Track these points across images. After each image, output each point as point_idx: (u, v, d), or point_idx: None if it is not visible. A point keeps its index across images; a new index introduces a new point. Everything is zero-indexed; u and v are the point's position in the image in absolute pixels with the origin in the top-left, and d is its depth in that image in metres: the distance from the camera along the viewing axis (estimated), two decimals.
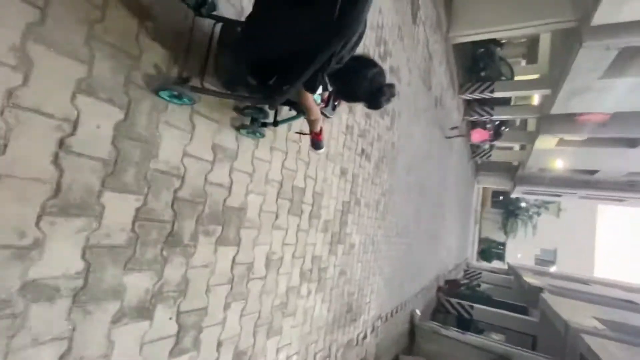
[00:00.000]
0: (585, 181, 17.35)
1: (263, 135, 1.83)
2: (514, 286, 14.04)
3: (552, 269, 11.59)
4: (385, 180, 4.07)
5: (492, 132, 11.39)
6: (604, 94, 7.31)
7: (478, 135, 10.99)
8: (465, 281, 11.60)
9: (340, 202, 2.91)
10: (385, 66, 3.89)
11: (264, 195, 1.94)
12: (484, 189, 28.97)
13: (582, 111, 8.39)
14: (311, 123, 1.66)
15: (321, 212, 2.57)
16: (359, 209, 3.30)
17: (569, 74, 6.79)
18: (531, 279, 10.67)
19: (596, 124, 9.04)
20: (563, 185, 17.99)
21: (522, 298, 11.33)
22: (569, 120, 9.67)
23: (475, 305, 8.27)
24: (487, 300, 9.34)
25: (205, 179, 1.55)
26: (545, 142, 10.77)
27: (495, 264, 24.07)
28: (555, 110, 8.51)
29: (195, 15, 1.38)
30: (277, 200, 2.06)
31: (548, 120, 9.93)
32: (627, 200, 18.14)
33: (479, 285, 10.35)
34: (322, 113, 1.62)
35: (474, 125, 11.81)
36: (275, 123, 1.75)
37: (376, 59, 2.31)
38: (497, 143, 16.47)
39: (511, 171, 19.80)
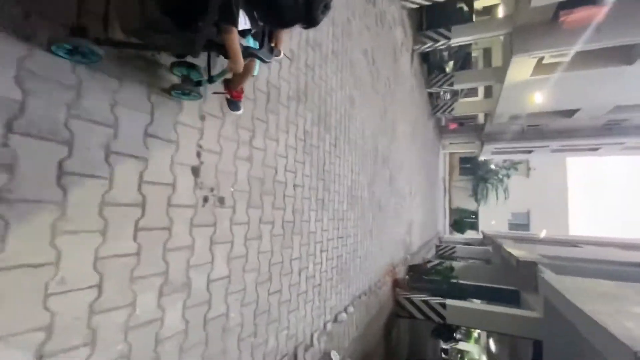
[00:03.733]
0: (558, 131, 15.36)
1: (200, 96, 1.48)
2: (495, 259, 11.71)
3: (543, 234, 9.31)
4: None
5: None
6: None
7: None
8: (435, 262, 9.02)
9: None
10: None
11: None
12: (451, 156, 27.02)
13: None
14: (234, 78, 1.58)
15: None
16: None
17: None
18: (516, 250, 8.19)
19: (590, 24, 6.44)
20: (534, 138, 15.93)
21: (509, 276, 8.88)
22: (552, 28, 7.02)
23: (449, 302, 5.53)
24: (463, 290, 6.73)
25: None
26: (520, 70, 8.15)
27: (469, 234, 22.14)
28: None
29: None
30: None
31: (523, 34, 7.25)
32: (602, 148, 16.40)
33: (452, 269, 7.72)
34: (258, 57, 1.34)
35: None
36: (210, 79, 1.42)
37: None
38: (459, 93, 14.08)
39: (477, 130, 17.59)
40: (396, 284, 6.03)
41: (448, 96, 12.79)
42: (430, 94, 12.71)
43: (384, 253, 5.55)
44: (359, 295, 4.10)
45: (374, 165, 4.96)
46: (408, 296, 5.81)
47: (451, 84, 10.74)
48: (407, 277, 6.14)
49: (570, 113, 11.77)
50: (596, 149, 16.80)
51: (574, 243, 11.56)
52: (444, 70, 11.15)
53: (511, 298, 6.74)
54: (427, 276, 7.55)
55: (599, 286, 4.46)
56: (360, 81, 4.26)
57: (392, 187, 6.26)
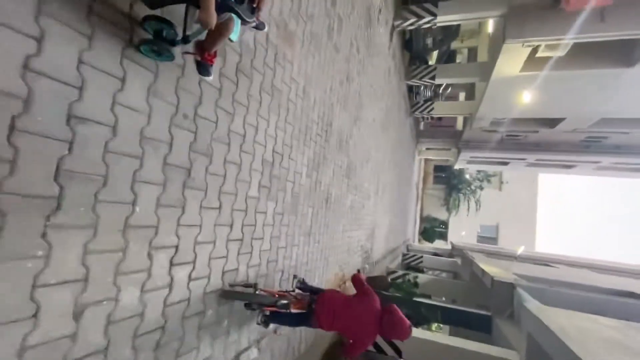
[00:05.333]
0: (536, 143, 14.81)
1: (171, 57, 1.37)
2: (463, 273, 10.77)
3: (520, 250, 8.27)
4: None
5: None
6: None
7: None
8: (399, 274, 7.84)
9: None
10: None
11: None
12: (426, 163, 26.46)
13: None
14: (208, 38, 1.41)
15: None
16: None
17: None
18: (489, 267, 7.18)
19: (594, 9, 5.48)
20: (512, 149, 15.31)
21: (479, 294, 7.86)
22: (552, 14, 6.03)
23: None
24: (427, 311, 5.57)
25: None
26: (510, 62, 7.14)
27: (438, 244, 21.49)
28: None
29: None
30: None
31: (519, 17, 6.20)
32: (577, 166, 16.07)
33: (415, 285, 6.56)
34: (236, 12, 1.25)
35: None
36: (185, 38, 1.31)
37: None
38: (439, 95, 13.15)
39: (456, 137, 16.86)
40: None
41: (428, 93, 11.77)
42: (410, 90, 11.67)
43: (330, 262, 4.22)
44: (275, 329, 2.74)
45: (324, 144, 3.63)
46: None
47: (433, 77, 9.68)
48: None
49: (553, 123, 11.05)
50: (571, 167, 16.46)
51: (546, 261, 10.85)
52: (426, 61, 10.08)
53: (482, 325, 5.65)
54: (386, 291, 6.33)
55: (600, 327, 3.35)
56: (306, 15, 2.91)
57: (352, 180, 4.96)
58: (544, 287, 5.60)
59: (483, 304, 7.83)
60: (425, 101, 12.27)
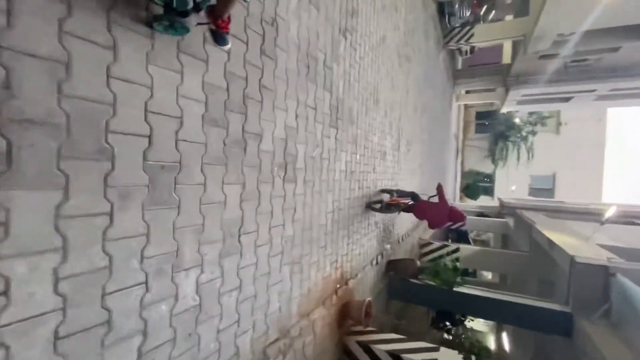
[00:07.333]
0: (612, 67, 11.58)
1: (187, 30, 1.21)
2: (517, 237, 8.79)
3: (609, 212, 5.98)
4: None
5: None
6: None
7: None
8: (434, 246, 6.13)
9: None
10: None
11: None
12: (466, 110, 23.23)
13: None
14: (218, 2, 1.28)
15: None
16: None
17: None
18: (559, 236, 5.27)
19: None
20: (578, 79, 12.14)
21: (543, 270, 6.03)
22: None
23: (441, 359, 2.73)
24: (475, 306, 3.93)
25: None
26: None
27: (483, 201, 19.08)
28: None
29: None
30: None
31: None
32: None
33: (455, 269, 4.78)
34: None
35: None
36: (197, 6, 1.16)
37: None
38: (481, 18, 10.32)
39: (502, 73, 13.84)
40: (346, 312, 3.21)
41: (466, 13, 9.08)
42: (442, 13, 9.12)
43: (310, 266, 2.66)
44: None
45: (265, 57, 1.91)
46: (363, 339, 3.00)
47: None
48: (368, 300, 3.24)
49: None
50: None
51: (629, 217, 8.45)
52: None
53: (558, 326, 3.90)
54: (415, 278, 4.72)
55: None
56: None
57: (344, 130, 3.21)
58: None
59: (547, 280, 6.02)
60: (463, 25, 9.60)
